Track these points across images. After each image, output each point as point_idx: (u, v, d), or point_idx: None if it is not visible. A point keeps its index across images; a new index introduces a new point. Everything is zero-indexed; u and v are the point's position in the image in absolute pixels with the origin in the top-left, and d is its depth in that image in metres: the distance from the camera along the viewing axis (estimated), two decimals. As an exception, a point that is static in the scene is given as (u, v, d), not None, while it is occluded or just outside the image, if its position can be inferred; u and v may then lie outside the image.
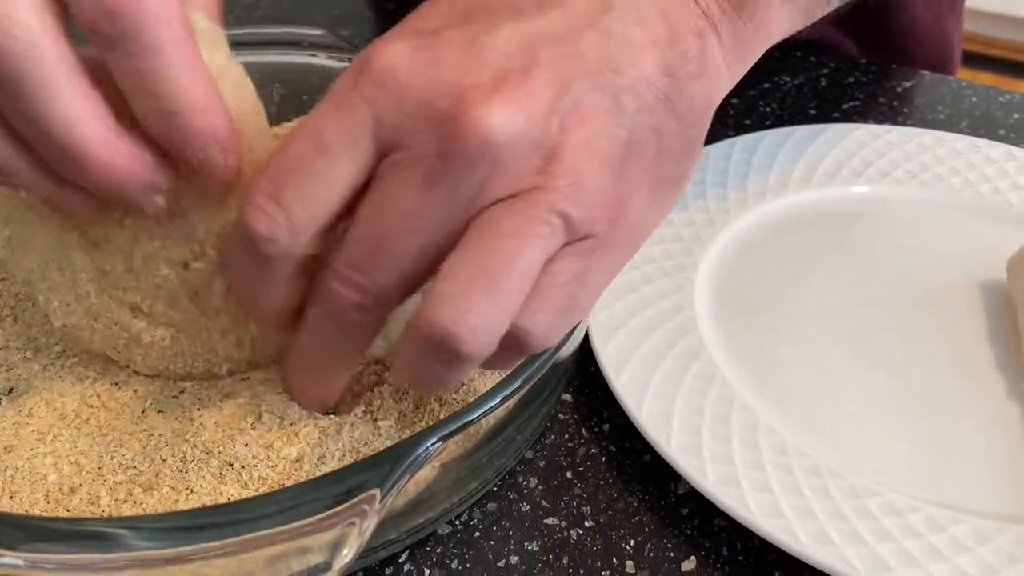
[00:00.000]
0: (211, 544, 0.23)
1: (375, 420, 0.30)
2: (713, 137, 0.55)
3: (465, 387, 0.32)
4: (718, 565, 0.31)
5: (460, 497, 0.31)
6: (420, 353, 0.25)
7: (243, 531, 0.23)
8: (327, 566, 0.24)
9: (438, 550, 0.32)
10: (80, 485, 0.28)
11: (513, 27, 0.25)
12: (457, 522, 0.33)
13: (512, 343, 0.25)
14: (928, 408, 0.36)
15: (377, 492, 0.24)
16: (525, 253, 0.24)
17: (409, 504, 0.29)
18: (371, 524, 0.23)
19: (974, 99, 0.59)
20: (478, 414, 0.26)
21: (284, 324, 0.28)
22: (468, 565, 0.31)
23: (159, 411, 0.31)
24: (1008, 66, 2.21)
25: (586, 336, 0.38)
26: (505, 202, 0.24)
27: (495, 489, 0.34)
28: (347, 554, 0.23)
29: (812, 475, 0.32)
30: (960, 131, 0.54)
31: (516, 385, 0.27)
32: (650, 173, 0.27)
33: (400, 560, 0.31)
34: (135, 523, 0.24)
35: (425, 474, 0.28)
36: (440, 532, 0.32)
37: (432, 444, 0.25)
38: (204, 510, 0.26)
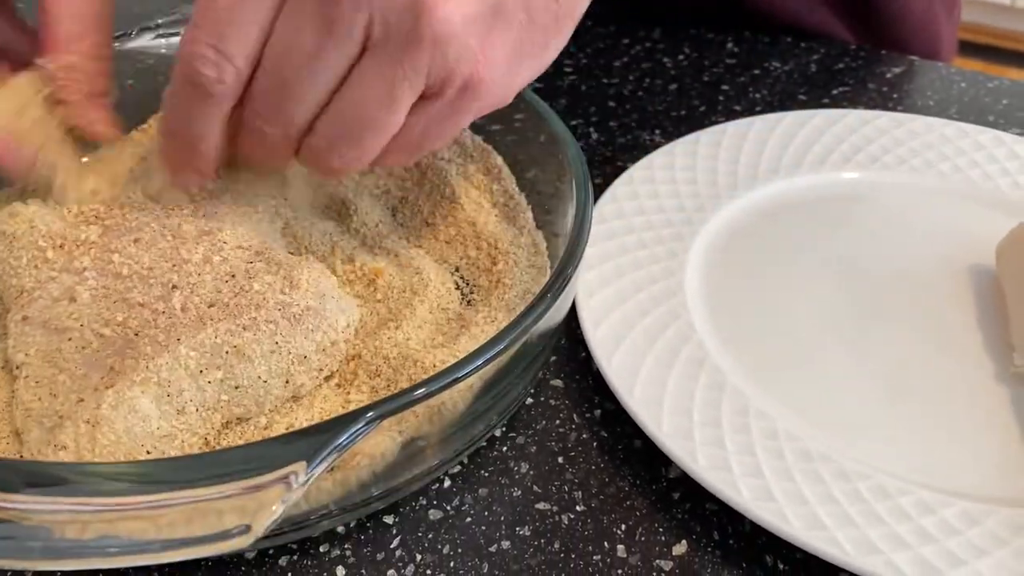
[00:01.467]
0: (129, 499, 0.24)
1: (347, 393, 0.30)
2: (703, 122, 0.55)
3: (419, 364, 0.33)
4: (709, 549, 0.32)
5: (439, 460, 0.31)
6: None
7: (166, 490, 0.24)
8: (247, 528, 0.24)
9: (429, 535, 0.32)
10: None
11: None
12: (448, 507, 0.33)
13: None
14: (918, 392, 0.36)
15: (304, 464, 0.24)
16: (387, 117, 0.30)
17: (388, 466, 0.29)
18: (294, 496, 0.24)
19: (963, 85, 0.59)
20: (420, 393, 0.27)
21: (213, 162, 0.33)
22: (460, 550, 0.31)
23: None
24: (996, 53, 2.22)
25: (576, 322, 0.37)
26: (379, 58, 0.29)
27: (486, 474, 0.34)
28: (269, 519, 0.24)
29: (803, 459, 0.32)
30: (949, 117, 0.54)
31: (468, 369, 0.28)
32: (513, 42, 0.31)
33: (391, 546, 0.31)
34: (68, 470, 0.25)
35: (388, 445, 0.29)
36: (432, 517, 0.32)
37: (367, 422, 0.26)
38: (133, 464, 0.27)
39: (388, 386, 0.32)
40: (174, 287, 0.31)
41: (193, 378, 0.30)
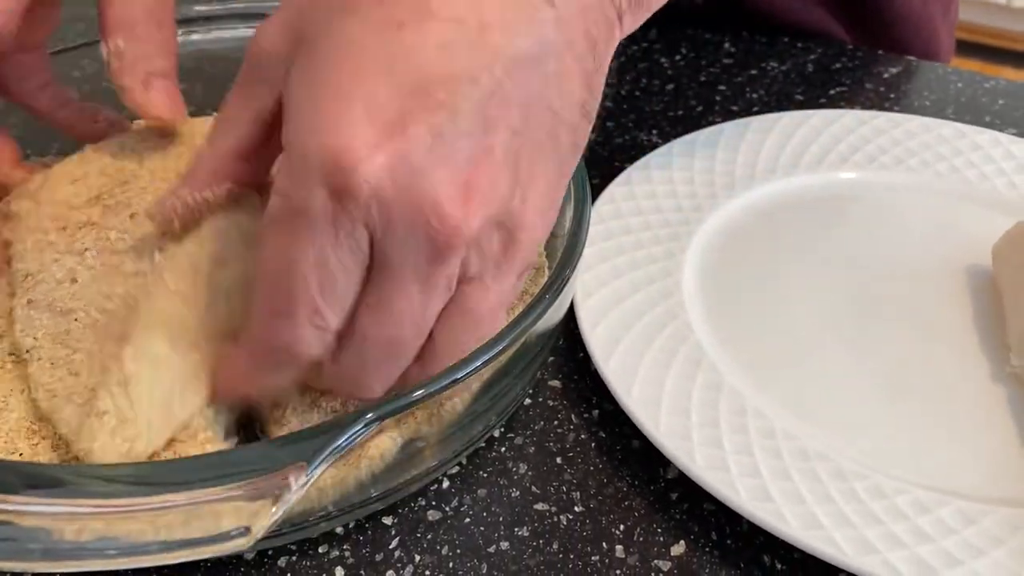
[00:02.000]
0: (127, 501, 0.24)
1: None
2: (701, 123, 0.55)
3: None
4: (707, 549, 0.32)
5: (438, 460, 0.32)
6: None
7: (165, 491, 0.24)
8: (246, 530, 0.25)
9: (428, 536, 0.32)
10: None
11: (467, 103, 0.26)
12: (447, 508, 0.33)
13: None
14: (915, 392, 0.36)
15: (304, 466, 0.25)
16: (427, 314, 0.27)
17: (387, 467, 0.29)
18: (294, 496, 0.24)
19: (960, 85, 0.59)
20: (419, 394, 0.27)
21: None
22: (458, 551, 0.31)
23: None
24: (993, 53, 2.23)
25: (574, 322, 0.38)
26: (482, 278, 0.28)
27: (484, 475, 0.34)
28: (268, 521, 0.24)
29: (800, 458, 0.32)
30: (946, 117, 0.55)
31: (467, 371, 0.28)
32: (542, 160, 0.28)
33: (390, 547, 0.31)
34: (70, 472, 0.25)
35: (387, 445, 0.29)
36: (430, 518, 0.32)
37: (367, 424, 0.26)
38: (131, 465, 0.27)
39: None
40: (160, 250, 0.32)
41: (193, 309, 0.30)
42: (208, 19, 0.50)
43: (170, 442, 0.29)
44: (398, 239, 0.25)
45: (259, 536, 0.25)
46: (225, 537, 0.25)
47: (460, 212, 0.25)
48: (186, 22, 0.49)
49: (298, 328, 0.27)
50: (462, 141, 0.25)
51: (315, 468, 0.25)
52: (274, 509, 0.24)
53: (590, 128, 0.30)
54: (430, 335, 0.28)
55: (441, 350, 0.29)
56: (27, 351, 0.31)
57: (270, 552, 0.31)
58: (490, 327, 0.29)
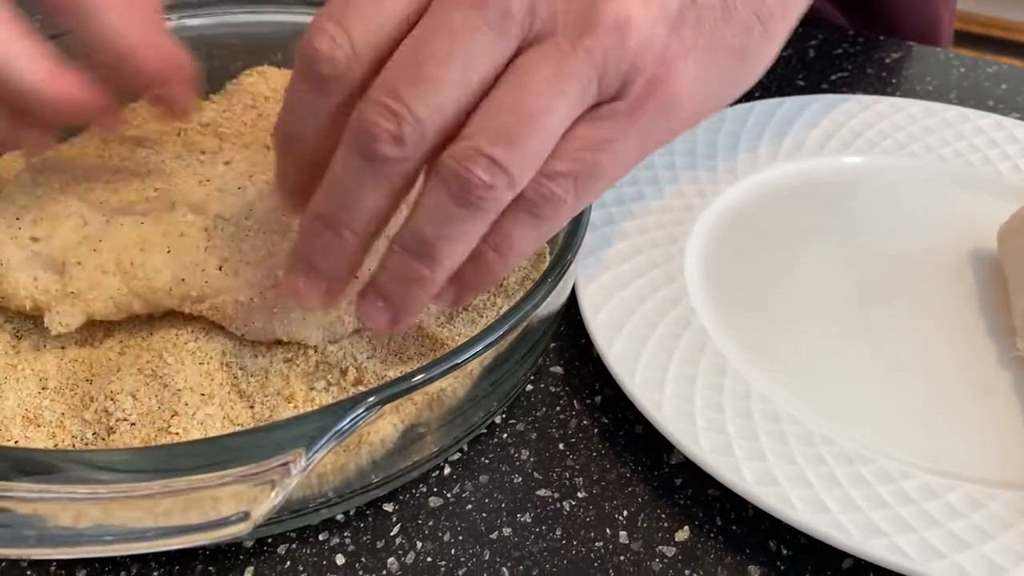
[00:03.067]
0: (124, 486, 0.24)
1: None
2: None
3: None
4: (712, 535, 0.31)
5: (439, 447, 0.31)
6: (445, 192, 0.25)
7: (162, 477, 0.24)
8: (246, 515, 0.24)
9: (430, 523, 0.31)
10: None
11: None
12: (449, 494, 0.32)
13: (534, 198, 0.26)
14: (920, 375, 0.36)
15: (303, 450, 0.24)
16: (549, 117, 0.24)
17: (387, 453, 0.29)
18: (293, 481, 0.24)
19: (962, 70, 0.59)
20: (419, 379, 0.26)
21: (314, 171, 0.27)
22: (460, 537, 0.31)
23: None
24: (989, 43, 2.22)
25: (576, 308, 0.37)
26: (545, 47, 0.24)
27: (486, 461, 0.34)
28: (267, 507, 0.24)
29: (805, 443, 0.32)
30: (949, 102, 0.54)
31: (467, 355, 0.27)
32: (706, 38, 0.26)
33: (391, 533, 0.31)
34: (64, 458, 0.25)
35: (388, 431, 0.29)
36: (432, 505, 0.32)
37: (368, 408, 0.25)
38: (131, 451, 0.27)
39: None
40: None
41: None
42: (206, 4, 0.49)
43: None
44: None
45: (258, 522, 0.24)
46: (224, 523, 0.24)
47: None
48: (187, 6, 0.49)
49: (317, 20, 0.25)
50: None
51: (315, 453, 0.25)
52: (273, 494, 0.24)
53: (764, 46, 0.28)
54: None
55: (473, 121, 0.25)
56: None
57: (269, 540, 0.31)
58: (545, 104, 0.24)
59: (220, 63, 0.49)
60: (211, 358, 0.32)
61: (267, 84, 0.43)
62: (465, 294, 0.29)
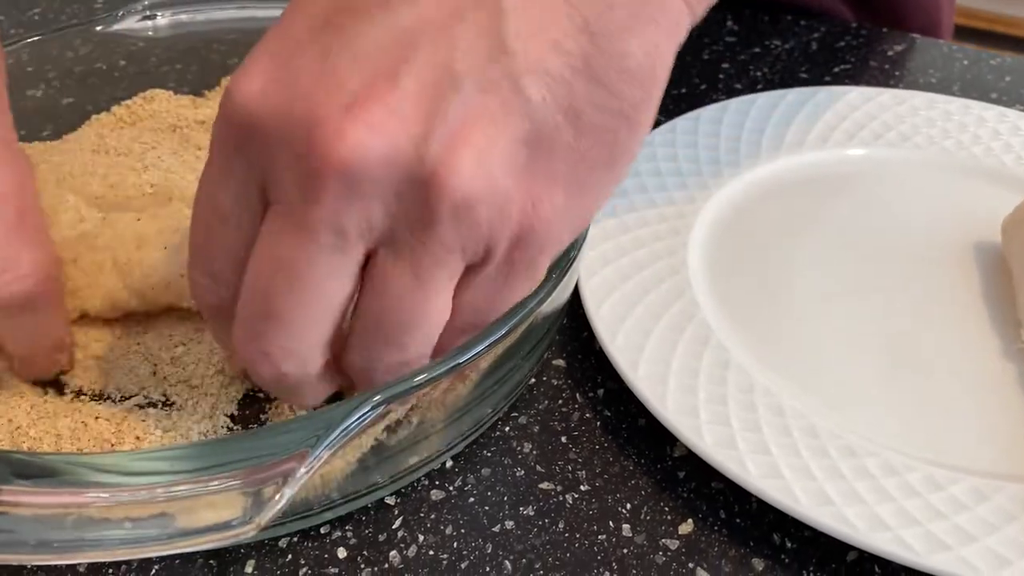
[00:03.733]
0: (126, 489, 0.23)
1: None
2: (704, 101, 0.54)
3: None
4: (716, 528, 0.31)
5: (445, 444, 0.31)
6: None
7: (165, 479, 0.23)
8: (250, 518, 0.24)
9: (432, 516, 0.31)
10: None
11: (376, 28, 0.22)
12: (451, 487, 0.32)
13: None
14: (925, 368, 0.36)
15: (308, 452, 0.24)
16: (427, 312, 0.24)
17: (390, 450, 0.29)
18: (298, 484, 0.24)
19: (965, 62, 0.59)
20: (423, 378, 0.26)
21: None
22: (463, 530, 0.31)
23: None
24: (991, 38, 2.22)
25: (579, 301, 0.37)
26: (396, 249, 0.23)
27: (488, 454, 0.33)
28: (272, 510, 0.24)
29: (810, 435, 0.32)
30: (952, 94, 0.54)
31: (471, 354, 0.27)
32: (566, 163, 0.24)
33: (394, 527, 0.31)
34: (65, 461, 0.24)
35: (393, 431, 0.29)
36: (434, 498, 0.32)
37: (373, 407, 0.25)
38: (133, 453, 0.26)
39: None
40: None
41: None
42: (202, 0, 0.49)
43: None
44: (275, 172, 0.22)
45: (263, 525, 0.24)
46: (227, 526, 0.24)
47: (334, 128, 0.21)
48: (183, 3, 0.49)
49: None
50: (356, 64, 0.22)
51: (320, 453, 0.24)
52: (278, 496, 0.24)
53: (631, 139, 0.25)
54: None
55: (352, 348, 0.25)
56: None
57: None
58: (408, 327, 0.24)
59: (217, 59, 0.49)
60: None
61: None
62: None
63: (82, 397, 0.32)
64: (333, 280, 0.23)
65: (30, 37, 0.45)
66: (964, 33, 2.12)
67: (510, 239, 0.24)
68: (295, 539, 0.31)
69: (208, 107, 0.41)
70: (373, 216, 0.22)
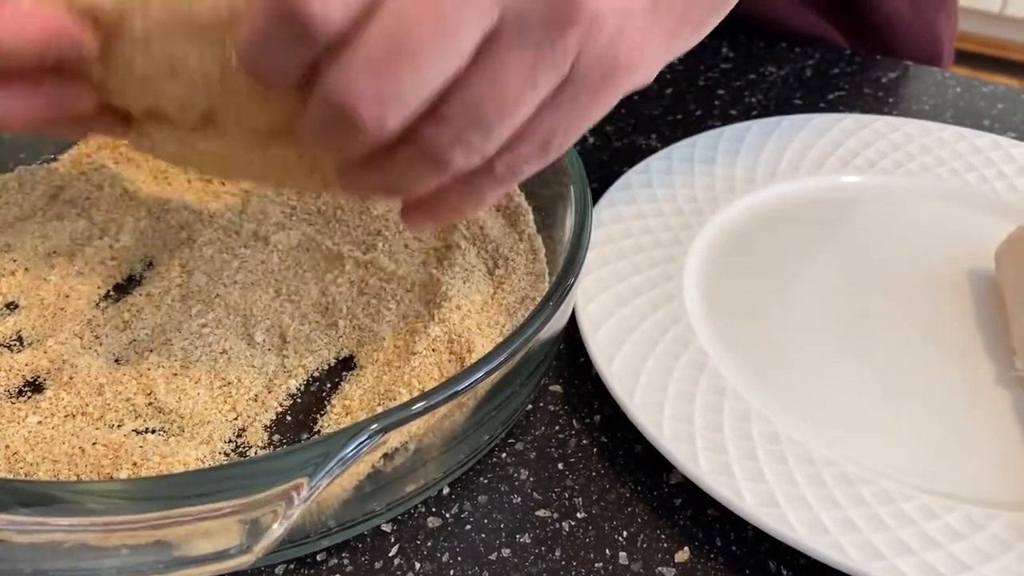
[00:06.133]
0: (124, 517, 0.23)
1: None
2: (700, 127, 0.54)
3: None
4: (712, 555, 0.31)
5: (442, 472, 0.31)
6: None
7: (162, 507, 0.23)
8: (248, 547, 0.24)
9: (428, 543, 0.31)
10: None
11: None
12: (448, 515, 0.32)
13: (503, 174, 0.27)
14: (919, 395, 0.36)
15: (306, 479, 0.24)
16: (523, 107, 0.25)
17: (387, 478, 0.29)
18: (296, 512, 0.24)
19: (958, 90, 0.59)
20: (420, 406, 0.26)
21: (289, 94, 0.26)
22: (459, 558, 0.31)
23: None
24: (983, 61, 2.23)
25: (575, 327, 0.37)
26: (523, 36, 0.24)
27: (485, 481, 0.34)
28: (271, 538, 0.24)
29: (805, 463, 0.32)
30: (945, 121, 0.54)
31: (468, 382, 0.27)
32: (672, 20, 0.28)
33: (390, 554, 0.31)
34: (64, 489, 0.24)
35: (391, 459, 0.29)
36: (431, 525, 0.32)
37: (370, 434, 0.25)
38: (130, 481, 0.26)
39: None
40: None
41: None
42: None
43: None
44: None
45: (260, 554, 0.24)
46: (224, 555, 0.24)
47: None
48: None
49: None
50: None
51: (317, 482, 0.24)
52: (276, 525, 0.24)
53: (713, 21, 0.31)
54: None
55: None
56: None
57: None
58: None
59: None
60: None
61: None
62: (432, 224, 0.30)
63: (79, 419, 0.32)
64: (473, 35, 0.24)
65: None
66: (958, 56, 2.14)
67: (610, 66, 0.26)
68: (291, 567, 0.31)
69: None
70: None
